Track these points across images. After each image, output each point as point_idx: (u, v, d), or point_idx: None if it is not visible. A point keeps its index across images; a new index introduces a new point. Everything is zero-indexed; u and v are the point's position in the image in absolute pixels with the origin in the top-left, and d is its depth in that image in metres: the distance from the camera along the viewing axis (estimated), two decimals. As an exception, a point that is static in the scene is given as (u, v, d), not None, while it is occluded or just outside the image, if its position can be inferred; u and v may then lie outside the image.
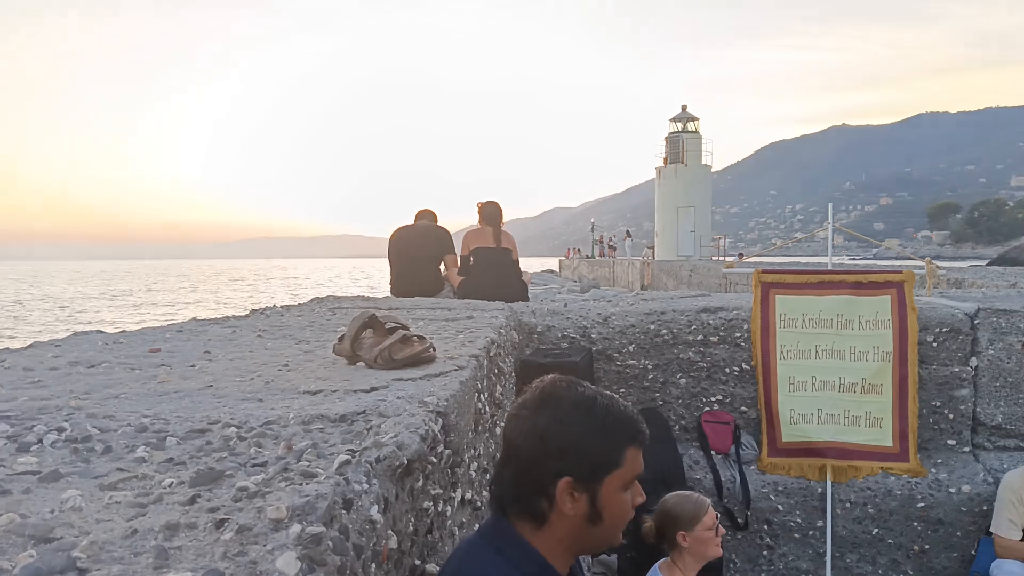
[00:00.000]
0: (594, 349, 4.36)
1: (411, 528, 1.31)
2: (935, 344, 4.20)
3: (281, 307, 4.39)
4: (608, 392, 1.39)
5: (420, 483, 1.35)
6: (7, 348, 2.53)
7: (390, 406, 1.51)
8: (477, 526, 2.12)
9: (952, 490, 4.01)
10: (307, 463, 1.16)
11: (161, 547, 0.83)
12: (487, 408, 2.44)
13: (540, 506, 1.33)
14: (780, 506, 4.14)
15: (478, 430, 2.19)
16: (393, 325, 2.11)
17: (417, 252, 5.93)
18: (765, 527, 4.14)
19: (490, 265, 5.76)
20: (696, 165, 37.02)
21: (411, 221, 6.42)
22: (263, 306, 4.41)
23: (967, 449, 4.22)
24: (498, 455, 1.44)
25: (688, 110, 38.15)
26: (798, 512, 4.13)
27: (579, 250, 55.13)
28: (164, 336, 2.79)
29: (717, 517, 2.54)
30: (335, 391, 1.68)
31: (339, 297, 5.25)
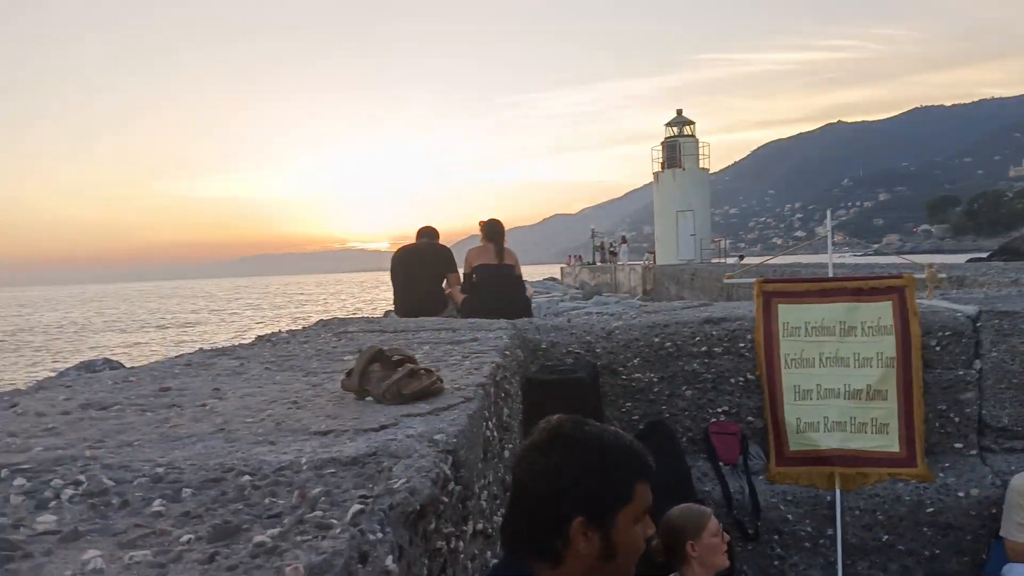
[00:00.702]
0: (599, 364, 4.38)
1: (425, 572, 1.33)
2: (938, 348, 4.22)
3: (287, 332, 4.42)
4: (612, 428, 1.41)
5: (433, 525, 1.37)
6: (18, 390, 2.55)
7: (400, 446, 1.53)
8: (489, 554, 2.14)
9: (961, 494, 4.02)
10: (321, 512, 1.18)
11: (184, 613, 0.85)
12: (495, 434, 2.46)
13: (554, 546, 1.35)
14: (790, 515, 4.14)
15: (487, 458, 2.21)
16: (399, 357, 2.13)
17: (419, 272, 5.96)
18: (776, 537, 4.14)
19: (493, 282, 5.79)
20: (694, 169, 37.11)
21: (411, 237, 6.45)
22: (268, 331, 4.44)
23: (974, 452, 4.23)
24: (509, 494, 1.46)
25: (684, 114, 38.27)
26: (808, 521, 4.13)
27: (580, 257, 55.16)
28: (173, 372, 2.81)
29: (720, 523, 2.56)
30: (345, 431, 1.70)
31: (344, 319, 5.28)
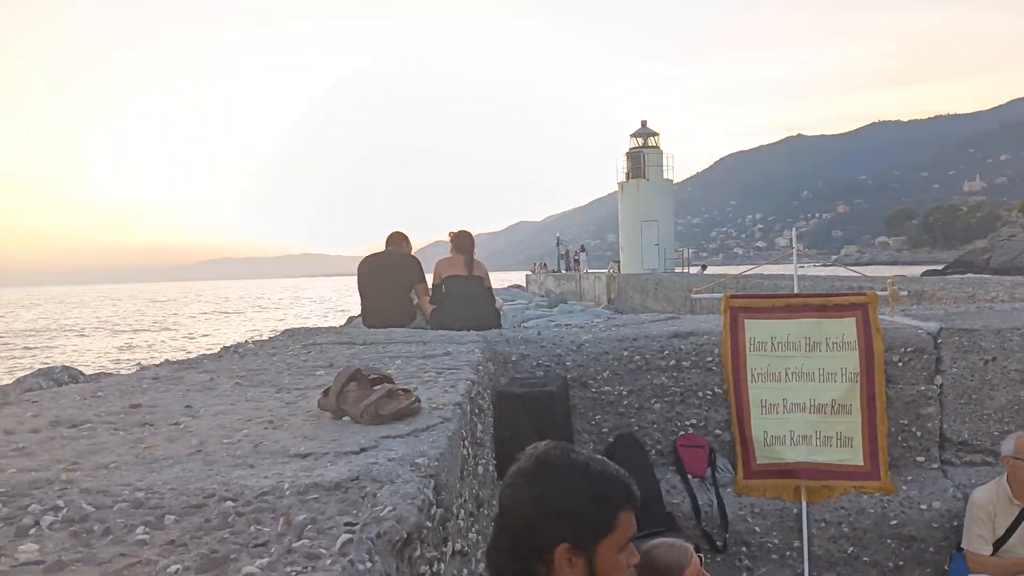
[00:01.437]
0: (569, 376, 4.40)
1: (411, 598, 1.33)
2: (900, 364, 4.30)
3: (253, 343, 4.37)
4: (599, 456, 1.43)
5: (418, 552, 1.37)
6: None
7: (382, 470, 1.52)
8: (466, 572, 2.13)
9: (923, 507, 4.10)
10: (308, 541, 1.18)
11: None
12: (470, 451, 2.46)
13: (538, 572, 1.36)
14: (757, 528, 4.20)
15: (463, 476, 2.21)
16: (376, 377, 2.12)
17: (388, 282, 5.94)
18: (744, 549, 4.19)
19: (462, 293, 5.79)
20: (658, 179, 37.50)
21: (379, 242, 6.41)
22: (234, 343, 4.38)
23: (936, 466, 4.32)
24: (494, 519, 1.47)
25: (648, 125, 38.63)
26: (775, 533, 4.19)
27: (545, 264, 55.34)
28: (141, 386, 2.77)
29: (701, 560, 2.57)
30: (325, 453, 1.69)
31: (311, 329, 5.24)
